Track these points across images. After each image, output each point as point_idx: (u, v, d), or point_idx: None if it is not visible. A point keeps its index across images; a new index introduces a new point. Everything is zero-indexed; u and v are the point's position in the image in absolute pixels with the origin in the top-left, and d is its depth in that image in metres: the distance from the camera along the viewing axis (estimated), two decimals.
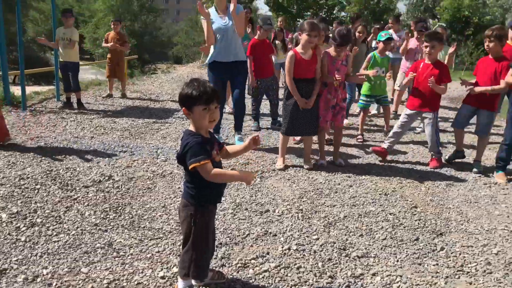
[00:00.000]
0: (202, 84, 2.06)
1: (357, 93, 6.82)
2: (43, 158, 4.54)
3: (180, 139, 5.45)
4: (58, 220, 3.14)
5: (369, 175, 4.44)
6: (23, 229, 2.96)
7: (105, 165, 4.43)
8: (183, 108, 2.08)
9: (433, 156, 4.85)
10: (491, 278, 2.62)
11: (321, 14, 25.50)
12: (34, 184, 3.77)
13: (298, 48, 4.39)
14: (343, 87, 4.67)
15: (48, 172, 4.10)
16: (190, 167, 2.03)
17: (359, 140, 5.77)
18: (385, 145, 4.95)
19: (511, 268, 2.74)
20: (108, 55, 8.64)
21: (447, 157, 5.00)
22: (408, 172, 4.61)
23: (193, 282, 2.29)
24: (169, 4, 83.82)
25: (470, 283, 2.56)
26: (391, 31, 7.56)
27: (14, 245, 2.76)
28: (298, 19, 23.98)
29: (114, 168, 4.35)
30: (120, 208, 3.40)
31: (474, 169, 4.69)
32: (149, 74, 14.30)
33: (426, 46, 4.65)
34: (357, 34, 6.75)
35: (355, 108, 6.98)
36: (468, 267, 2.74)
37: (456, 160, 4.98)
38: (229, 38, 5.07)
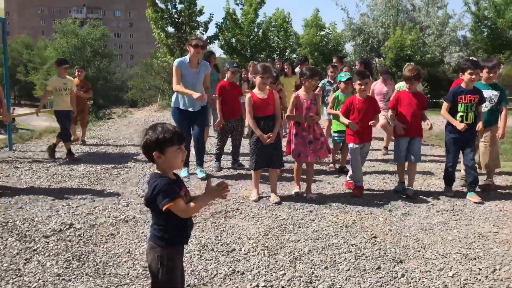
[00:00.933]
0: (170, 126, 2.15)
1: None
2: None
3: (141, 183, 5.45)
4: (17, 273, 3.04)
5: (330, 208, 4.60)
6: None
7: (65, 213, 4.33)
8: (155, 152, 2.14)
9: (356, 184, 5.12)
10: None
11: (273, 56, 26.40)
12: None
13: (255, 90, 4.66)
14: (315, 123, 4.98)
15: (3, 224, 3.97)
16: (164, 208, 2.08)
17: (331, 168, 6.25)
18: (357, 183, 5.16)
19: None
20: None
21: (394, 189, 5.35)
22: (365, 203, 4.80)
23: None
24: (123, 49, 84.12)
25: None
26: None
27: None
28: (252, 61, 24.68)
29: (74, 215, 4.26)
30: (83, 256, 3.34)
31: (410, 192, 5.04)
32: (105, 120, 14.15)
33: (360, 84, 4.98)
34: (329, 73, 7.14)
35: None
36: None
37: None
38: (197, 91, 5.42)
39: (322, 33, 24.51)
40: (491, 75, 5.20)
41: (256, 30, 25.26)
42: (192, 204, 2.17)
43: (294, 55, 26.55)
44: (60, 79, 7.32)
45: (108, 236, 3.78)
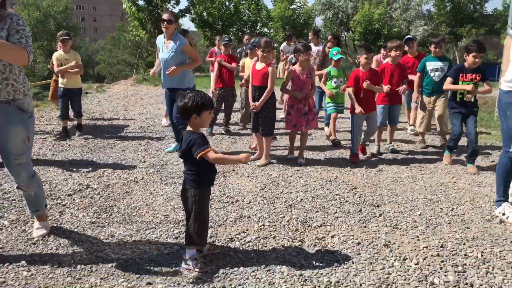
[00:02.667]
0: (203, 94, 2.69)
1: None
2: None
3: (139, 151, 5.91)
4: (57, 222, 3.52)
5: (314, 167, 5.24)
6: (29, 231, 3.32)
7: (78, 176, 4.79)
8: (194, 114, 2.66)
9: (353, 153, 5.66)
10: (417, 230, 3.47)
11: (245, 30, 26.64)
12: (19, 197, 4.06)
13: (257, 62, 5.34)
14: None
15: None
16: (198, 156, 2.62)
17: (333, 140, 6.54)
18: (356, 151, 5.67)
19: (430, 223, 3.61)
20: (54, 77, 7.98)
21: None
22: (345, 163, 5.47)
23: (196, 250, 2.85)
24: (86, 22, 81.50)
25: (403, 235, 3.38)
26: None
27: (27, 243, 3.13)
28: (223, 35, 24.84)
29: (88, 178, 4.73)
30: (108, 209, 3.85)
31: (391, 148, 6.01)
32: (83, 94, 14.24)
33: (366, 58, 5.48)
34: (326, 49, 7.39)
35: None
36: (400, 225, 3.57)
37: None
38: (168, 67, 5.38)
39: (293, 7, 24.89)
40: (437, 49, 5.99)
41: (227, 3, 25.39)
42: (221, 155, 2.73)
43: (266, 29, 26.89)
44: (61, 53, 6.91)
45: (124, 193, 4.28)
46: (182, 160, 2.87)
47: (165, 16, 5.42)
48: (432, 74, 5.98)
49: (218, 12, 24.87)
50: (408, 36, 7.58)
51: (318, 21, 26.84)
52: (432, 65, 5.98)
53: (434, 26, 23.71)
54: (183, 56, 5.48)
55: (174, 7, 23.03)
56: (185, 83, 5.49)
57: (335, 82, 6.37)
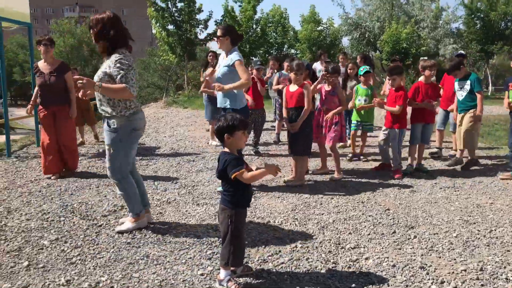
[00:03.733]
0: (237, 115, 2.75)
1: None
2: (53, 196, 4.96)
3: (171, 172, 6.01)
4: (94, 242, 3.62)
5: (345, 187, 5.20)
6: (68, 250, 3.42)
7: (112, 197, 4.91)
8: (226, 134, 2.73)
9: (395, 168, 5.77)
10: (454, 252, 3.38)
11: (271, 51, 26.95)
12: (57, 217, 4.21)
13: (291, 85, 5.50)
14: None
15: (64, 207, 4.54)
16: (232, 177, 2.67)
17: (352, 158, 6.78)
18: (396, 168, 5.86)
19: (468, 245, 3.52)
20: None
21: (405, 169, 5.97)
22: (377, 183, 5.41)
23: (230, 271, 2.86)
24: None
25: (440, 257, 3.30)
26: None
27: (66, 262, 3.22)
28: (251, 57, 25.18)
29: (122, 199, 4.83)
30: (143, 229, 3.92)
31: (425, 170, 6.00)
32: None
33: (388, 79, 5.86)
34: (349, 71, 7.49)
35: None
36: (436, 247, 3.49)
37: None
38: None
39: (320, 28, 25.07)
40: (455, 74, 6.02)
41: (254, 26, 25.79)
42: (253, 173, 2.76)
43: (293, 50, 27.12)
44: None
45: (157, 214, 4.36)
46: (213, 181, 2.93)
47: (218, 31, 5.05)
48: (457, 94, 6.07)
49: (246, 35, 25.29)
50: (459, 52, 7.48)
51: (345, 41, 26.93)
52: (457, 85, 6.07)
53: (464, 44, 23.39)
54: (236, 74, 4.91)
55: (203, 31, 23.58)
56: (237, 104, 5.06)
57: (359, 100, 6.42)
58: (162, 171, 6.24)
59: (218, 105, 5.36)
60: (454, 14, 24.63)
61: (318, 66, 9.49)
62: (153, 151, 7.70)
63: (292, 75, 5.33)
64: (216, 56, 8.73)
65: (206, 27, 23.65)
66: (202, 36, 24.14)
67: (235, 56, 4.94)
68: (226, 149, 2.82)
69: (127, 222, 3.91)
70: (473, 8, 22.87)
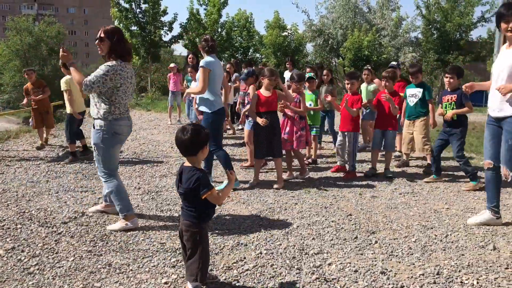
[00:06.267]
0: (204, 129, 2.74)
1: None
2: (9, 202, 4.76)
3: (133, 177, 5.90)
4: (53, 250, 3.50)
5: (309, 194, 5.28)
6: (25, 260, 3.30)
7: (73, 203, 4.77)
8: (205, 146, 2.71)
9: (349, 170, 6.15)
10: (413, 257, 3.50)
11: (237, 55, 27.01)
12: (13, 225, 4.05)
13: (262, 89, 5.59)
14: (298, 118, 5.93)
15: (21, 213, 4.38)
16: (203, 197, 2.65)
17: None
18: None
19: (425, 250, 3.65)
20: (34, 106, 8.41)
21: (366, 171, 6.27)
22: (338, 189, 5.52)
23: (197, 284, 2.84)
24: (78, 47, 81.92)
25: (399, 262, 3.41)
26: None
27: (24, 272, 3.10)
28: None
29: (83, 205, 4.71)
30: (105, 237, 3.83)
31: (388, 175, 6.16)
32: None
33: (347, 83, 6.14)
34: (324, 77, 7.70)
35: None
36: (396, 252, 3.60)
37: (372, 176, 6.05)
38: None
39: (284, 33, 25.35)
40: (412, 79, 6.37)
41: (219, 30, 25.77)
42: (223, 192, 2.77)
43: (258, 55, 27.27)
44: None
45: (120, 220, 4.27)
46: (175, 180, 2.90)
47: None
48: (408, 100, 6.39)
49: None
50: (392, 63, 7.85)
51: (309, 47, 27.32)
52: (409, 92, 6.39)
53: (422, 53, 24.24)
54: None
55: (167, 34, 23.35)
56: (210, 107, 5.24)
57: (310, 104, 6.66)
58: (124, 176, 6.12)
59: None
60: (413, 23, 25.50)
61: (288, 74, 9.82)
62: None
63: (265, 80, 5.48)
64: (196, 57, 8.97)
65: (170, 29, 23.45)
66: (166, 38, 23.92)
67: (201, 63, 5.25)
68: (190, 164, 2.77)
69: (118, 223, 4.06)
70: (430, 19, 23.80)
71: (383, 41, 24.13)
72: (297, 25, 29.08)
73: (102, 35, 3.91)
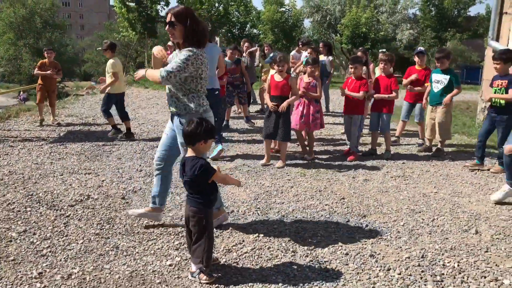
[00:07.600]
0: (212, 122, 2.92)
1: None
2: (16, 184, 4.96)
3: (135, 158, 6.09)
4: (63, 233, 3.72)
5: (305, 177, 5.51)
6: (38, 242, 3.52)
7: (78, 186, 4.97)
8: (202, 141, 2.89)
9: (351, 151, 6.41)
10: (400, 241, 3.75)
11: (234, 31, 26.84)
12: (23, 208, 4.25)
13: (275, 74, 5.89)
14: (314, 101, 6.21)
15: (29, 196, 4.58)
16: (210, 181, 2.86)
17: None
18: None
19: (412, 234, 3.90)
20: (40, 82, 8.83)
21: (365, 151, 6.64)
22: (334, 172, 5.75)
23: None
24: (72, 19, 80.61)
25: (387, 245, 3.66)
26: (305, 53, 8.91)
27: (37, 255, 3.33)
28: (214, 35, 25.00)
29: (87, 188, 4.92)
30: (111, 220, 4.05)
31: (387, 157, 6.44)
32: (75, 98, 14.32)
33: (351, 67, 6.31)
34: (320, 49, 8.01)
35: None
36: (385, 236, 3.84)
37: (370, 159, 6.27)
38: None
39: (282, 9, 25.14)
40: (438, 64, 6.36)
41: (216, 5, 25.53)
42: (226, 175, 3.00)
43: (255, 30, 27.10)
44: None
45: (124, 204, 4.49)
46: (178, 168, 3.11)
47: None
48: (433, 86, 6.46)
49: (208, 14, 25.01)
50: (420, 48, 7.68)
51: (307, 23, 27.18)
52: (434, 77, 6.45)
53: (419, 30, 24.19)
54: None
55: (164, 8, 23.11)
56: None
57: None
58: (125, 157, 6.31)
59: None
60: (412, 0, 25.33)
61: (296, 55, 9.85)
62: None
63: (275, 67, 5.73)
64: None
65: (167, 3, 23.23)
66: (163, 13, 23.65)
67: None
68: (193, 154, 2.97)
69: (142, 209, 3.98)
70: None
71: (381, 18, 24.03)
72: (295, 1, 28.77)
73: (173, 19, 3.35)
